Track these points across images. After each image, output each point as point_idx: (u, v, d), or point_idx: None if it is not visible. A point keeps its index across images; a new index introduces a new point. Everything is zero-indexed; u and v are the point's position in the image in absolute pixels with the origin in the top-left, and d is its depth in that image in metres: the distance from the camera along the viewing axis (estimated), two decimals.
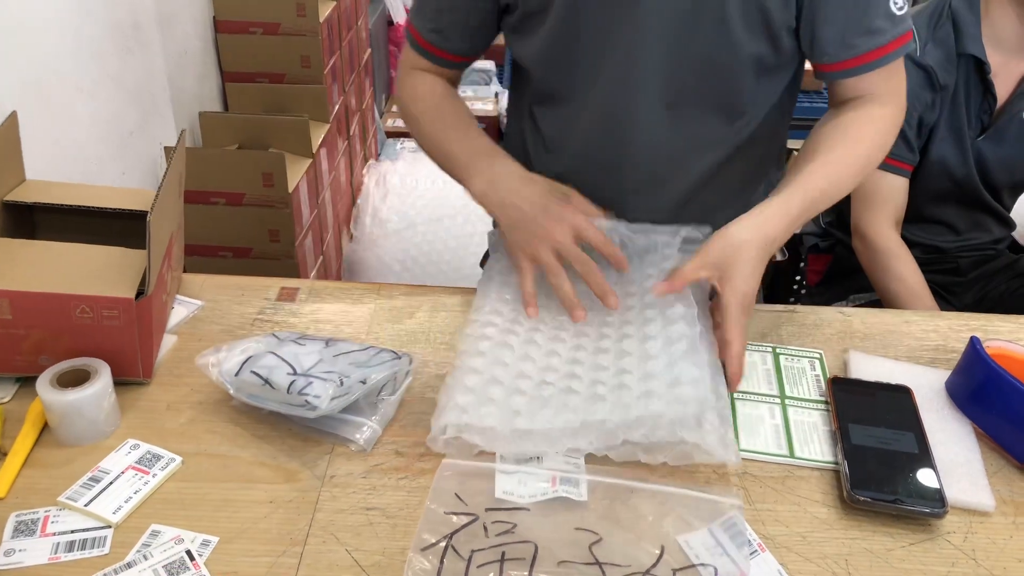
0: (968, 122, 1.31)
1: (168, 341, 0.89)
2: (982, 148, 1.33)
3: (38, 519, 0.69)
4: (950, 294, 1.44)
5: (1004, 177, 1.36)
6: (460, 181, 0.97)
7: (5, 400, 0.81)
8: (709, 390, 0.75)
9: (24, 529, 0.68)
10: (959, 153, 1.32)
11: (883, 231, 1.33)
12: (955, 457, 0.77)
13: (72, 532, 0.68)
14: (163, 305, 0.86)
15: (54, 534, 0.68)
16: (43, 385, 0.74)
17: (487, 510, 0.67)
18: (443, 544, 0.63)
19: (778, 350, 0.90)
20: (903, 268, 1.31)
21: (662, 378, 0.76)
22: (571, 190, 0.93)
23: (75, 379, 0.75)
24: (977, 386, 0.81)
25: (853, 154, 0.92)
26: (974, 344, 0.81)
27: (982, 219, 1.42)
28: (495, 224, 0.98)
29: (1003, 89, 1.31)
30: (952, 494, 0.72)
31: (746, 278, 0.82)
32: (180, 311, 0.92)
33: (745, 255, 0.82)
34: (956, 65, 1.28)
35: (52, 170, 1.32)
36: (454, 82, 1.08)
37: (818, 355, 0.89)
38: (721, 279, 0.82)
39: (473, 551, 0.63)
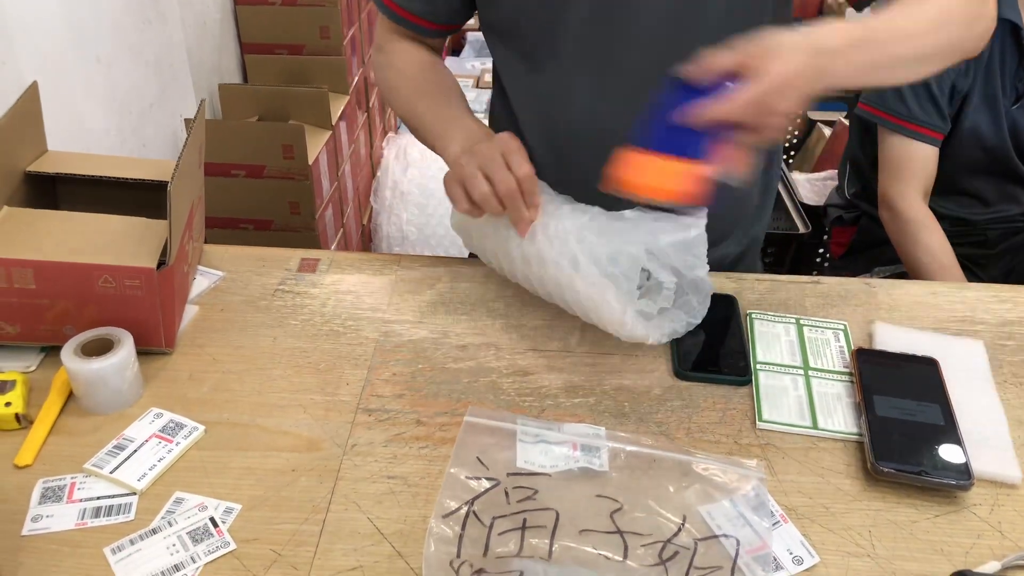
0: (1003, 90, 1.28)
1: (190, 311, 0.89)
2: (1016, 117, 1.30)
3: (65, 486, 0.70)
4: (977, 267, 1.42)
5: None
6: (437, 151, 0.92)
7: (31, 369, 0.81)
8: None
9: (51, 495, 0.69)
10: (993, 122, 1.30)
11: (912, 202, 1.31)
12: (982, 429, 0.76)
13: (98, 499, 0.69)
14: (184, 275, 0.87)
15: (80, 500, 0.68)
16: (67, 354, 0.75)
17: (509, 475, 0.67)
18: (464, 510, 0.63)
19: (802, 321, 0.89)
20: (932, 240, 1.29)
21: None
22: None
23: (99, 348, 0.76)
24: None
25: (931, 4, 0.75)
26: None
27: (1013, 190, 1.39)
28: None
29: None
30: (978, 466, 0.71)
31: (788, 77, 0.65)
32: (202, 282, 0.93)
33: (788, 56, 0.66)
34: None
35: (71, 141, 1.32)
36: (436, 51, 1.03)
37: (842, 326, 0.88)
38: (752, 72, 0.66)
39: (494, 518, 0.63)
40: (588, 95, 0.91)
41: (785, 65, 0.66)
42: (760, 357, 0.84)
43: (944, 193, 1.36)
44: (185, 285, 0.88)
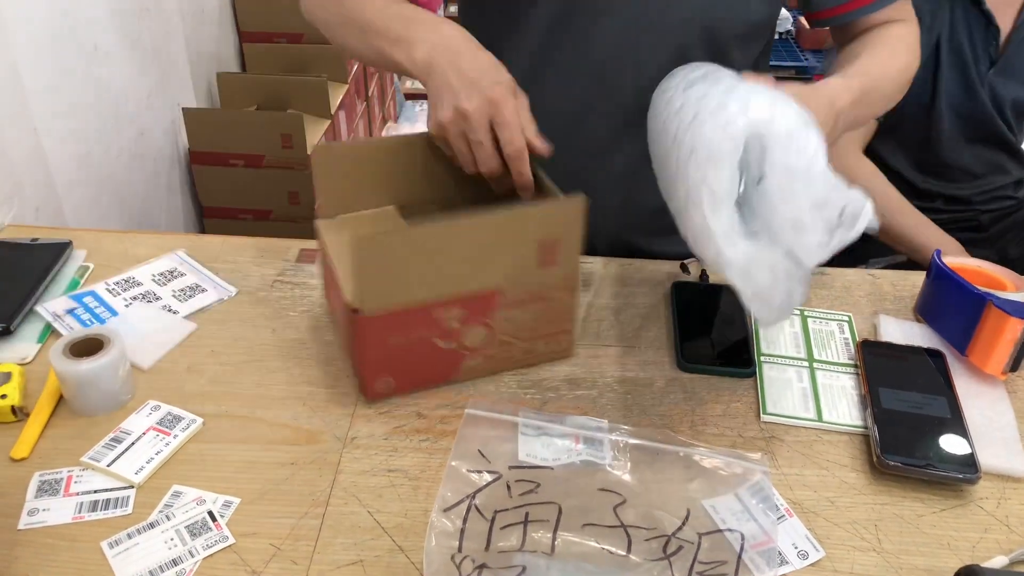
0: (975, 57, 1.28)
1: (187, 328, 0.88)
2: (994, 82, 1.30)
3: (61, 479, 0.69)
4: (973, 251, 1.42)
5: (1020, 109, 1.34)
6: (391, 58, 0.79)
7: (27, 361, 0.81)
8: None
9: (48, 489, 0.68)
10: (965, 90, 1.30)
11: (850, 155, 1.32)
12: (989, 422, 0.75)
13: (95, 492, 0.68)
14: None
15: (77, 494, 0.68)
16: (56, 355, 0.73)
17: (511, 468, 0.66)
18: (466, 504, 0.62)
19: (806, 313, 0.88)
20: (877, 184, 1.31)
21: None
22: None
23: (89, 348, 0.74)
24: (931, 291, 0.87)
25: (894, 61, 0.88)
26: (935, 255, 0.86)
27: (998, 159, 1.39)
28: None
29: (1005, 19, 1.28)
30: (985, 459, 0.70)
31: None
32: (211, 295, 0.89)
33: (822, 125, 0.70)
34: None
35: (67, 131, 1.31)
36: None
37: (847, 318, 0.87)
38: None
39: (496, 511, 0.62)
40: (557, 75, 0.90)
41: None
42: (764, 349, 0.83)
43: (934, 169, 1.37)
44: None
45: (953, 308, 0.83)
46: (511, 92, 0.74)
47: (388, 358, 0.74)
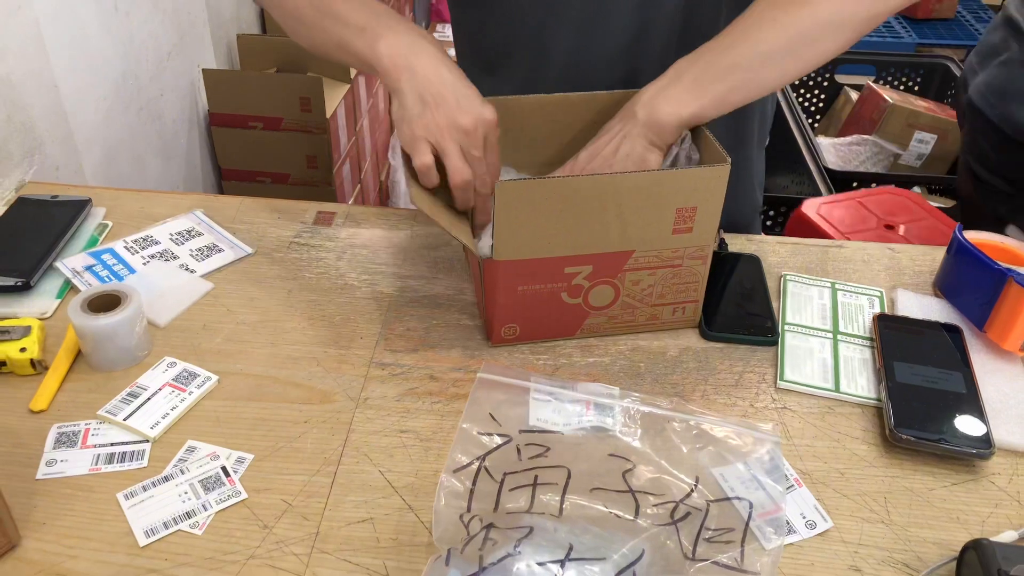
0: None
1: (204, 286, 0.88)
2: None
3: (79, 431, 0.70)
4: None
5: None
6: (355, 49, 0.75)
7: (47, 315, 0.81)
8: None
9: (66, 440, 0.69)
10: None
11: None
12: (1005, 398, 0.74)
13: (112, 445, 0.69)
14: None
15: (94, 446, 0.69)
16: (75, 310, 0.74)
17: (521, 432, 0.66)
18: (476, 466, 0.63)
19: (837, 286, 0.87)
20: None
21: None
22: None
23: (106, 304, 0.75)
24: (951, 265, 0.86)
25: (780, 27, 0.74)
26: (956, 230, 0.84)
27: None
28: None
29: None
30: (999, 435, 0.70)
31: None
32: (228, 255, 0.90)
33: (662, 109, 0.74)
34: None
35: (87, 90, 1.31)
36: None
37: (879, 293, 0.87)
38: None
39: (506, 474, 0.63)
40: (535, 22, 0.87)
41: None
42: (789, 319, 0.83)
43: None
44: None
45: (972, 283, 0.82)
46: (481, 124, 0.73)
47: (516, 305, 0.75)
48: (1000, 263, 0.79)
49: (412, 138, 0.73)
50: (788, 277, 0.88)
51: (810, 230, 1.50)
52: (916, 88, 2.59)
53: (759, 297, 0.85)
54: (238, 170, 1.82)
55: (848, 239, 1.46)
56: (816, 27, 0.74)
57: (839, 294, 0.87)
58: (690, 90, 0.74)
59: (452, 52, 0.93)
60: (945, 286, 0.86)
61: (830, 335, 0.82)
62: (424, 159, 0.73)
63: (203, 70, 1.72)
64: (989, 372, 0.77)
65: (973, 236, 0.85)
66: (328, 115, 1.75)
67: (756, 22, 0.75)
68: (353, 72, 1.97)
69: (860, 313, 0.84)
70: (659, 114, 0.74)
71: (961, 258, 0.84)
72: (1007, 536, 0.62)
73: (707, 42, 0.76)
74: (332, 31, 0.76)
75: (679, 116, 0.74)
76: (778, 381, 0.76)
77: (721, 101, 0.75)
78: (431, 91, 0.72)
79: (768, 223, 1.95)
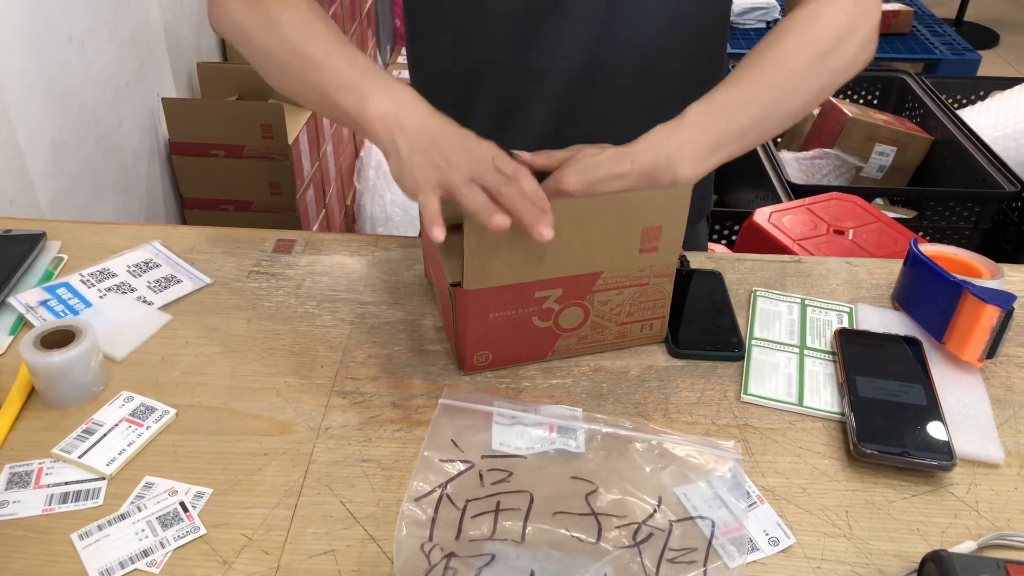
0: None
1: (162, 319, 0.87)
2: None
3: (32, 471, 0.68)
4: None
5: None
6: (341, 106, 0.72)
7: None
8: None
9: (18, 481, 0.68)
10: None
11: None
12: (965, 409, 0.75)
13: (66, 484, 0.67)
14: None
15: (48, 486, 0.67)
16: (27, 347, 0.72)
17: (483, 457, 0.66)
18: (437, 493, 0.62)
19: (807, 302, 0.88)
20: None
21: None
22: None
23: (60, 340, 0.73)
24: (907, 278, 0.87)
25: (805, 52, 0.77)
26: (912, 244, 0.86)
27: None
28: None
29: None
30: (960, 446, 0.71)
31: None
32: (187, 286, 0.88)
33: (680, 171, 0.71)
34: None
35: (42, 122, 1.30)
36: None
37: (847, 309, 0.87)
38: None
39: (468, 500, 0.62)
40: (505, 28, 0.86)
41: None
42: (758, 333, 0.84)
43: None
44: None
45: (930, 296, 0.83)
46: (482, 153, 0.70)
47: (487, 333, 0.76)
48: (955, 275, 0.80)
49: (415, 185, 0.69)
50: (758, 293, 0.89)
51: (762, 238, 1.51)
52: (875, 101, 2.64)
53: (724, 313, 0.85)
54: (200, 198, 1.81)
55: (800, 244, 1.48)
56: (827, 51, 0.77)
57: (808, 310, 0.87)
58: (712, 153, 0.73)
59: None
60: (903, 299, 0.87)
61: (797, 350, 0.82)
62: (430, 206, 0.68)
63: (163, 99, 1.71)
64: (948, 383, 0.78)
65: (929, 249, 0.86)
66: (290, 141, 1.75)
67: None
68: None
69: (828, 328, 0.85)
70: (676, 175, 0.72)
71: (917, 271, 0.85)
72: (966, 547, 0.63)
73: (723, 90, 0.75)
74: (310, 80, 0.74)
75: (692, 178, 0.72)
76: (741, 395, 0.76)
77: (735, 155, 0.75)
78: (425, 140, 0.69)
79: (725, 235, 1.97)
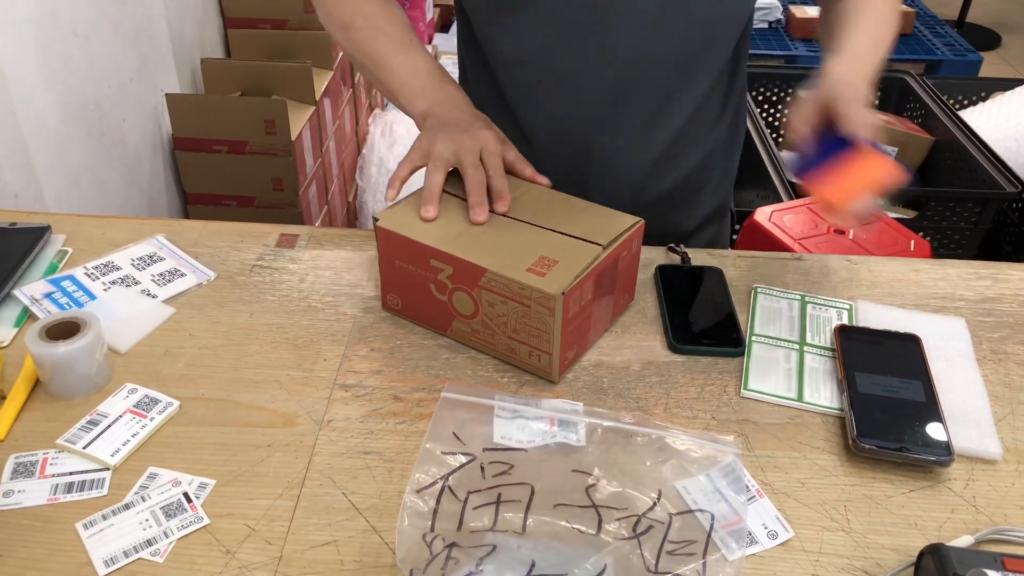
0: None
1: (166, 312, 0.88)
2: None
3: (37, 461, 0.69)
4: None
5: None
6: (399, 100, 0.92)
7: (4, 344, 0.80)
8: None
9: (23, 471, 0.68)
10: None
11: None
12: (963, 405, 0.76)
13: (71, 474, 0.68)
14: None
15: (53, 476, 0.68)
16: (32, 338, 0.73)
17: (485, 450, 0.67)
18: (439, 485, 0.63)
19: (807, 299, 0.88)
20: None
21: None
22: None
23: (65, 331, 0.74)
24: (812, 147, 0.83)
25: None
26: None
27: None
28: None
29: None
30: (959, 442, 0.71)
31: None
32: (190, 279, 0.89)
33: (860, 95, 0.80)
34: None
35: (47, 117, 1.31)
36: None
37: (848, 306, 0.88)
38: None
39: (469, 492, 0.63)
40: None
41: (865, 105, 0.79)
42: (757, 330, 0.84)
43: None
44: None
45: (824, 152, 0.80)
46: (498, 139, 0.85)
47: (394, 276, 0.82)
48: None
49: (423, 153, 0.84)
50: (758, 289, 0.89)
51: (763, 237, 1.52)
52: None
53: (724, 309, 0.86)
54: (203, 194, 1.81)
55: (801, 244, 1.48)
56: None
57: (808, 306, 0.88)
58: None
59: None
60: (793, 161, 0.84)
61: (797, 346, 0.83)
62: (434, 180, 0.82)
63: (166, 94, 1.71)
64: (946, 380, 0.78)
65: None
66: (293, 137, 1.75)
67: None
68: (318, 93, 1.97)
69: (828, 325, 0.86)
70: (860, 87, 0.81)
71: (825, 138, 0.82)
72: (963, 541, 0.63)
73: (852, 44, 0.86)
74: (380, 80, 0.93)
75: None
76: (742, 390, 0.77)
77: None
78: (446, 123, 0.86)
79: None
